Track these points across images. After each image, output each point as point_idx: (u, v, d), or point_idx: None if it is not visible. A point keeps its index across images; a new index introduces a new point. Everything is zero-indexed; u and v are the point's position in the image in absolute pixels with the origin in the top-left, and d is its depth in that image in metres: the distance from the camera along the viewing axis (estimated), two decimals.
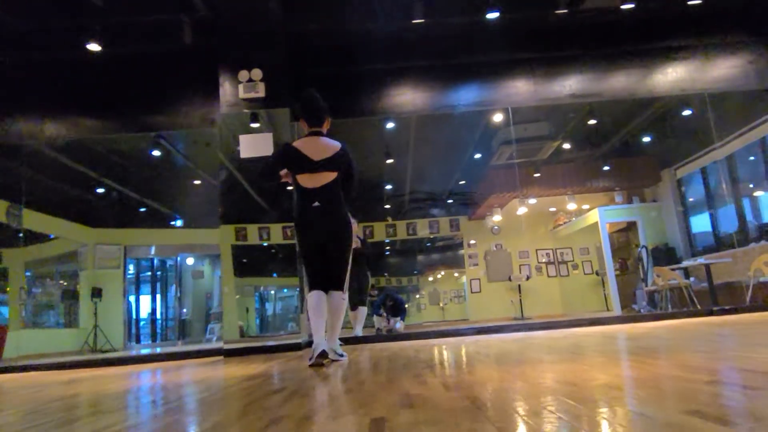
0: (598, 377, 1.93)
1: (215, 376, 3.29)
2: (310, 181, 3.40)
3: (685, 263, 8.30)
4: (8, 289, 9.91)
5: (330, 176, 3.40)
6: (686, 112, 8.60)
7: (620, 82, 7.22)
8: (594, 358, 2.57)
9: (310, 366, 3.19)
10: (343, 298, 3.48)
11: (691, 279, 8.20)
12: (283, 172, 3.56)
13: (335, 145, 3.45)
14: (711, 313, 6.24)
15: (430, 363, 3.08)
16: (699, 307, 7.38)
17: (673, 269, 8.16)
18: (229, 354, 5.47)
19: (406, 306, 10.68)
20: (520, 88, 7.19)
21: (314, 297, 3.42)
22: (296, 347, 5.58)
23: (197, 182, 10.59)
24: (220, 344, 6.84)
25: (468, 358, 3.16)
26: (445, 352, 3.77)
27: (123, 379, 3.80)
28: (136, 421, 1.79)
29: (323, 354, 3.20)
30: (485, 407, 1.48)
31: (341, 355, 3.53)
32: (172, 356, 5.96)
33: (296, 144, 3.47)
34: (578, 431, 1.12)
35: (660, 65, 7.22)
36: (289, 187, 3.63)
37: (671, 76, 7.19)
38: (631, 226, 11.14)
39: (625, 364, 2.25)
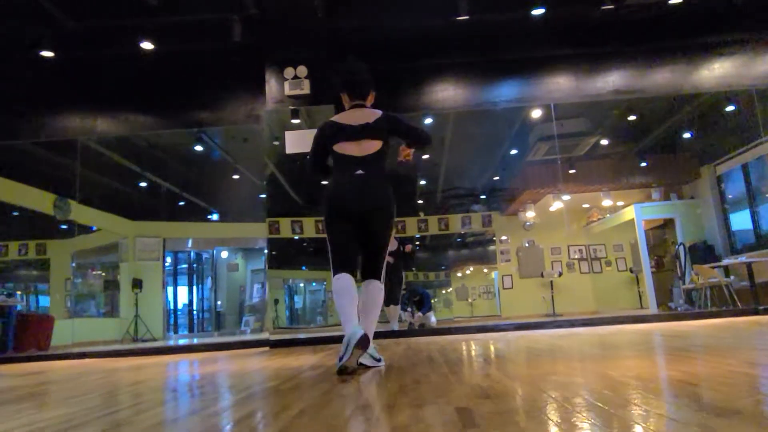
0: (667, 373, 1.96)
1: (274, 366, 3.39)
2: (352, 148, 2.93)
3: (726, 261, 8.17)
4: (51, 280, 10.32)
5: (375, 145, 2.94)
6: (729, 108, 8.44)
7: (664, 78, 7.11)
8: (652, 355, 2.59)
9: (338, 372, 2.60)
10: (380, 288, 2.94)
11: (731, 277, 8.06)
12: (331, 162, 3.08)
13: (377, 112, 3.02)
14: (756, 312, 6.15)
15: (484, 357, 3.13)
16: (740, 305, 7.27)
17: (713, 267, 8.03)
18: (275, 345, 5.60)
19: (434, 301, 10.71)
20: (562, 85, 7.15)
21: (340, 279, 2.83)
22: (341, 339, 5.67)
23: (235, 177, 10.79)
24: (260, 335, 7.01)
25: (522, 353, 3.20)
26: (494, 347, 3.81)
27: (185, 367, 3.94)
28: (225, 405, 1.88)
29: (363, 341, 2.58)
30: (564, 400, 1.51)
31: (378, 360, 2.88)
32: (219, 346, 6.13)
33: (334, 118, 3.07)
34: (674, 424, 1.17)
35: (706, 61, 7.09)
36: None
37: (717, 71, 7.06)
38: (667, 223, 10.97)
39: (688, 361, 2.25)
